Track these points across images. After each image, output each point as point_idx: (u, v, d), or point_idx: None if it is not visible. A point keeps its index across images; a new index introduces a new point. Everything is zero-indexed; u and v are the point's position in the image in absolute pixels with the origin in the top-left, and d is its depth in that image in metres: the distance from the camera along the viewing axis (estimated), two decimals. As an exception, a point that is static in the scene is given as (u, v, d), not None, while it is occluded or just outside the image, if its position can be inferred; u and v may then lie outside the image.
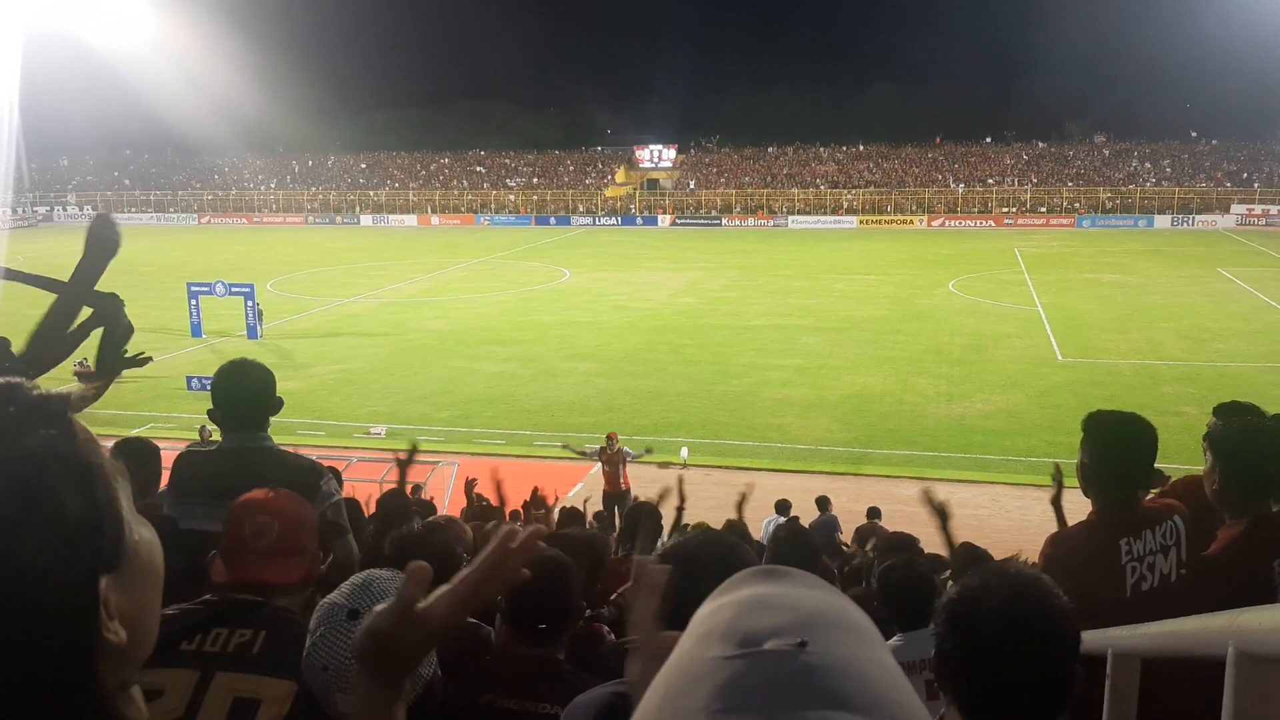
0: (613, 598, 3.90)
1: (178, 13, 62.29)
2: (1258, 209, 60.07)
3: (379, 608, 1.11)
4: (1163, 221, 60.10)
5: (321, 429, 20.17)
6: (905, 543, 6.62)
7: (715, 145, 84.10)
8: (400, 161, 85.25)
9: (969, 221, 63.05)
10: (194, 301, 29.35)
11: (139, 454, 4.21)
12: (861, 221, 64.43)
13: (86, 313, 2.82)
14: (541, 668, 2.52)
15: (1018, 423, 19.93)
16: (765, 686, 0.54)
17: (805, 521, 10.04)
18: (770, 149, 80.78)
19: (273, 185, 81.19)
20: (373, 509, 6.16)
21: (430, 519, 5.48)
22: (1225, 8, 66.78)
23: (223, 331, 29.40)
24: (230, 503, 2.27)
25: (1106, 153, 73.60)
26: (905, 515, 14.29)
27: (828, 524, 12.32)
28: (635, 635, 1.17)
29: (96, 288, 2.76)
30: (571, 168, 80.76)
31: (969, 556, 5.15)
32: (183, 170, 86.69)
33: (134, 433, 13.76)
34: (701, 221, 67.16)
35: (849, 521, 12.97)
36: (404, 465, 5.66)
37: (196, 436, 19.02)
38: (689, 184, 75.42)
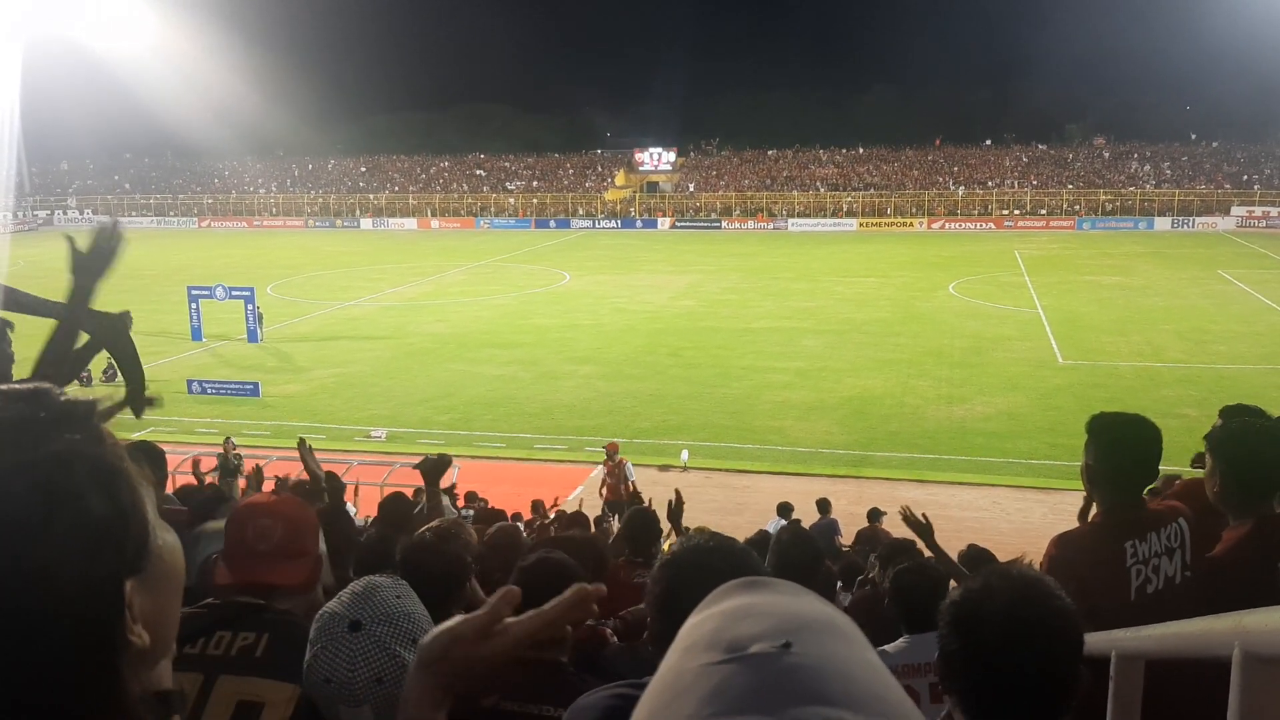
0: (621, 613, 3.89)
1: (178, 17, 62.37)
2: (1258, 211, 60.09)
3: (463, 617, 1.12)
4: (1163, 223, 60.11)
5: (322, 432, 20.15)
6: (906, 547, 6.61)
7: (715, 148, 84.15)
8: (400, 165, 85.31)
9: (969, 224, 63.07)
10: (194, 305, 29.36)
11: (147, 457, 4.22)
12: (861, 224, 64.44)
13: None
14: (545, 670, 2.52)
15: (1018, 425, 19.92)
16: (752, 688, 0.55)
17: (805, 524, 10.03)
18: (770, 152, 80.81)
19: (273, 189, 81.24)
20: (374, 512, 6.16)
21: (437, 525, 5.48)
22: (1225, 10, 66.85)
23: (223, 335, 29.41)
24: None
25: (1106, 155, 73.63)
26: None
27: (827, 528, 12.31)
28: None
29: (96, 304, 2.74)
30: (571, 171, 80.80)
31: (974, 559, 5.15)
32: (183, 174, 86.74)
33: (134, 437, 13.75)
34: (701, 224, 67.17)
35: (850, 524, 12.96)
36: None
37: (194, 439, 19.04)
38: (689, 187, 75.45)
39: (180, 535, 0.89)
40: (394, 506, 6.10)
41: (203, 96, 72.42)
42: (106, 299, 2.73)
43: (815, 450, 18.87)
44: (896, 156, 76.88)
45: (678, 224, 67.51)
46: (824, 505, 13.19)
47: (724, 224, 67.02)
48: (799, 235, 62.01)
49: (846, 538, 12.31)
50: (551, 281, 41.68)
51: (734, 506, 15.67)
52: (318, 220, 73.12)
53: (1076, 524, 3.86)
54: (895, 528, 11.95)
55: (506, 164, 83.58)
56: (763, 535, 8.95)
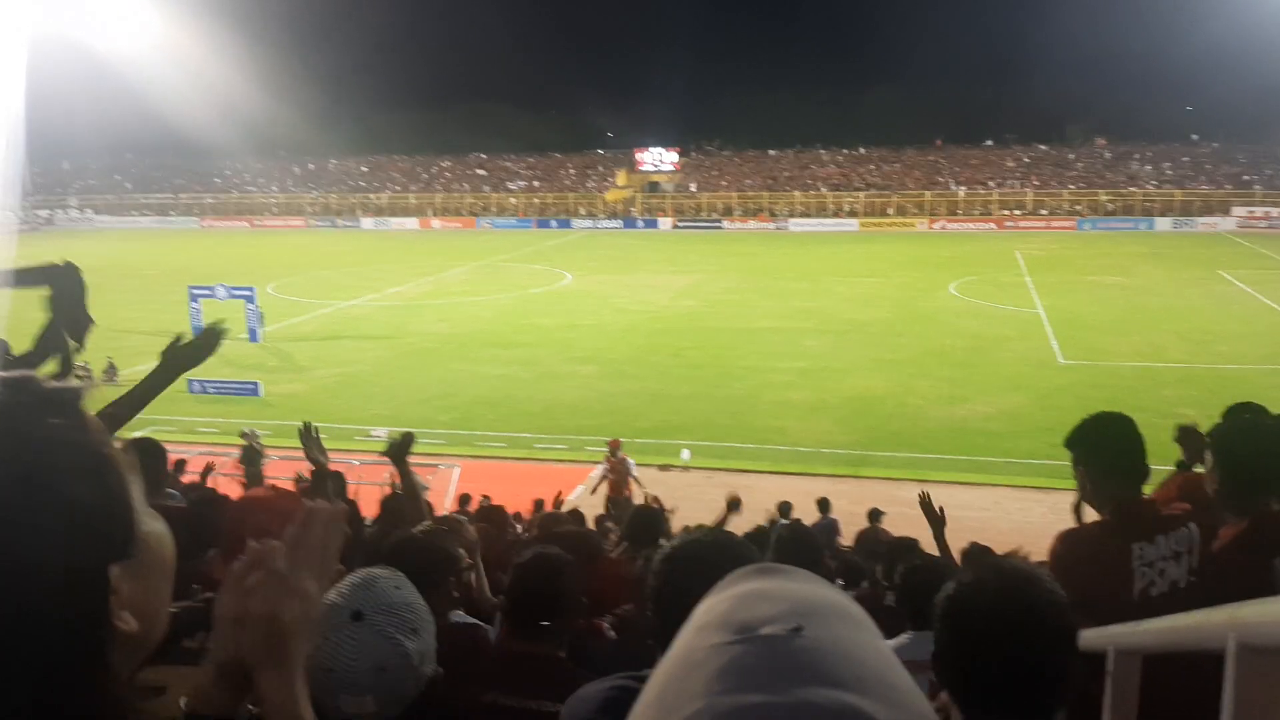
0: (615, 611, 3.90)
1: (180, 16, 62.34)
2: (1259, 211, 60.04)
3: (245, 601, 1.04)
4: (1163, 224, 60.07)
5: (323, 432, 20.00)
6: (907, 546, 6.63)
7: (716, 148, 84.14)
8: (401, 165, 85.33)
9: (970, 224, 63.05)
10: (195, 305, 29.35)
11: (147, 453, 4.25)
12: (862, 224, 64.43)
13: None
14: (542, 665, 2.52)
15: (1019, 425, 19.92)
16: (762, 668, 0.55)
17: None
18: (771, 152, 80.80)
19: (274, 188, 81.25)
20: (376, 511, 6.17)
21: (428, 522, 5.49)
22: (1226, 10, 66.78)
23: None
24: None
25: (1107, 155, 73.58)
26: (906, 518, 14.26)
27: (827, 527, 12.31)
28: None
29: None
30: (572, 171, 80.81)
31: (975, 556, 5.16)
32: (184, 173, 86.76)
33: (134, 435, 13.76)
34: (703, 224, 67.16)
35: (850, 524, 12.96)
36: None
37: (195, 438, 19.07)
38: (690, 187, 75.43)
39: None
40: (396, 505, 6.10)
41: (204, 96, 72.39)
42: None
43: (816, 450, 18.87)
44: (897, 157, 76.85)
45: (679, 224, 67.51)
46: (824, 505, 13.19)
47: (725, 224, 67.01)
48: (800, 235, 62.00)
49: (846, 538, 12.30)
50: (553, 281, 41.68)
51: (724, 508, 15.64)
52: (318, 220, 73.14)
53: (1072, 522, 3.86)
54: (895, 528, 11.95)
55: (508, 164, 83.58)
56: (760, 530, 8.97)
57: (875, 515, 12.53)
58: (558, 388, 23.43)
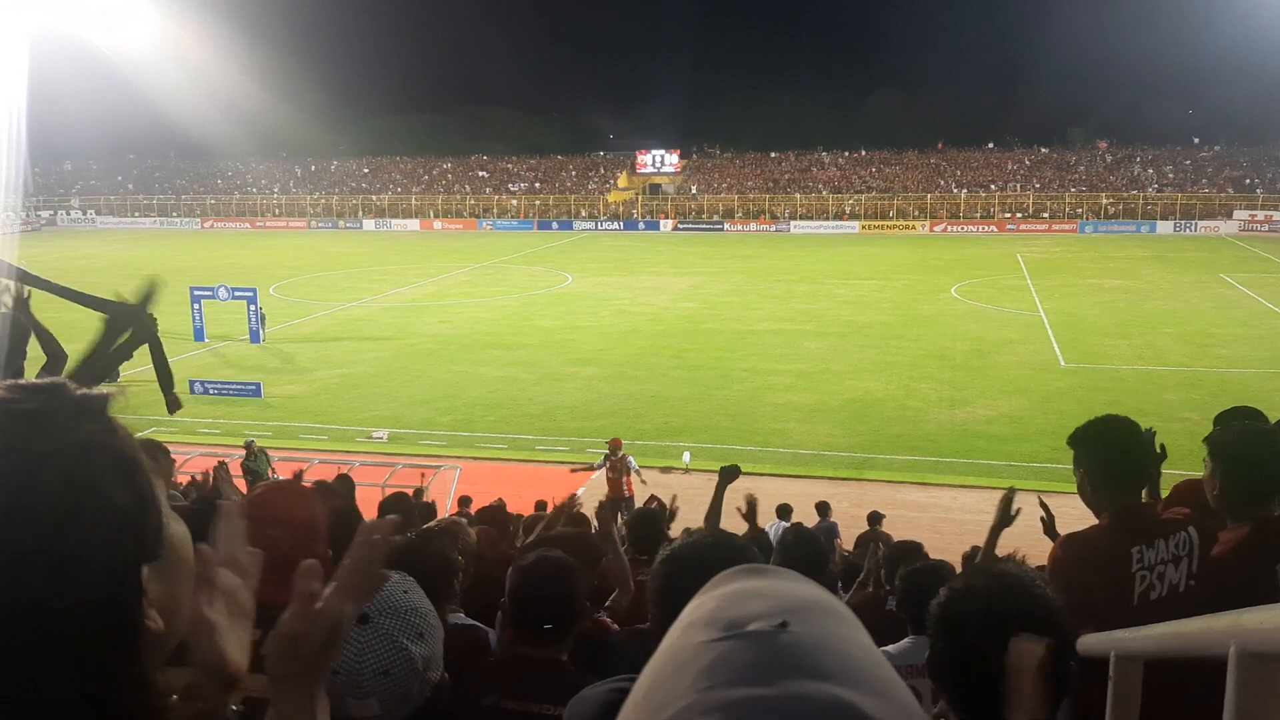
0: (607, 603, 3.90)
1: (183, 17, 62.40)
2: (1260, 215, 60.02)
3: (286, 616, 1.09)
4: (1165, 227, 60.06)
5: (324, 433, 20.18)
6: (911, 549, 6.60)
7: (717, 150, 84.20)
8: (403, 166, 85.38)
9: (971, 227, 63.06)
10: (197, 306, 29.37)
11: (154, 454, 4.27)
12: (864, 227, 64.43)
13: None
14: (546, 669, 2.52)
15: (1020, 428, 19.91)
16: (749, 663, 0.56)
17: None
18: (772, 154, 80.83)
19: (276, 190, 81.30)
20: (375, 513, 6.17)
21: (427, 524, 5.50)
22: (1228, 13, 66.81)
23: (225, 336, 29.43)
24: None
25: (1109, 158, 73.58)
26: (907, 521, 14.29)
27: (827, 531, 12.30)
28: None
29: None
30: (574, 173, 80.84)
31: (973, 559, 5.13)
32: (186, 174, 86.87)
33: (138, 436, 13.73)
34: (704, 226, 67.18)
35: (851, 527, 12.96)
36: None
37: (196, 439, 19.06)
38: (691, 189, 75.46)
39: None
40: (396, 507, 6.12)
41: (207, 97, 72.48)
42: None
43: (817, 452, 18.86)
44: (899, 159, 76.87)
45: (680, 226, 67.52)
46: (823, 508, 13.19)
47: (726, 226, 67.02)
48: (801, 237, 62.00)
49: (846, 541, 12.29)
50: (554, 283, 41.69)
51: (734, 509, 15.64)
52: (320, 221, 73.18)
53: (1077, 528, 3.85)
54: (896, 530, 11.95)
55: (509, 165, 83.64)
56: (760, 532, 8.97)
57: (875, 518, 12.53)
58: (558, 389, 23.43)
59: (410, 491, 9.44)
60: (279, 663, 1.06)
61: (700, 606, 0.64)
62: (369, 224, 71.80)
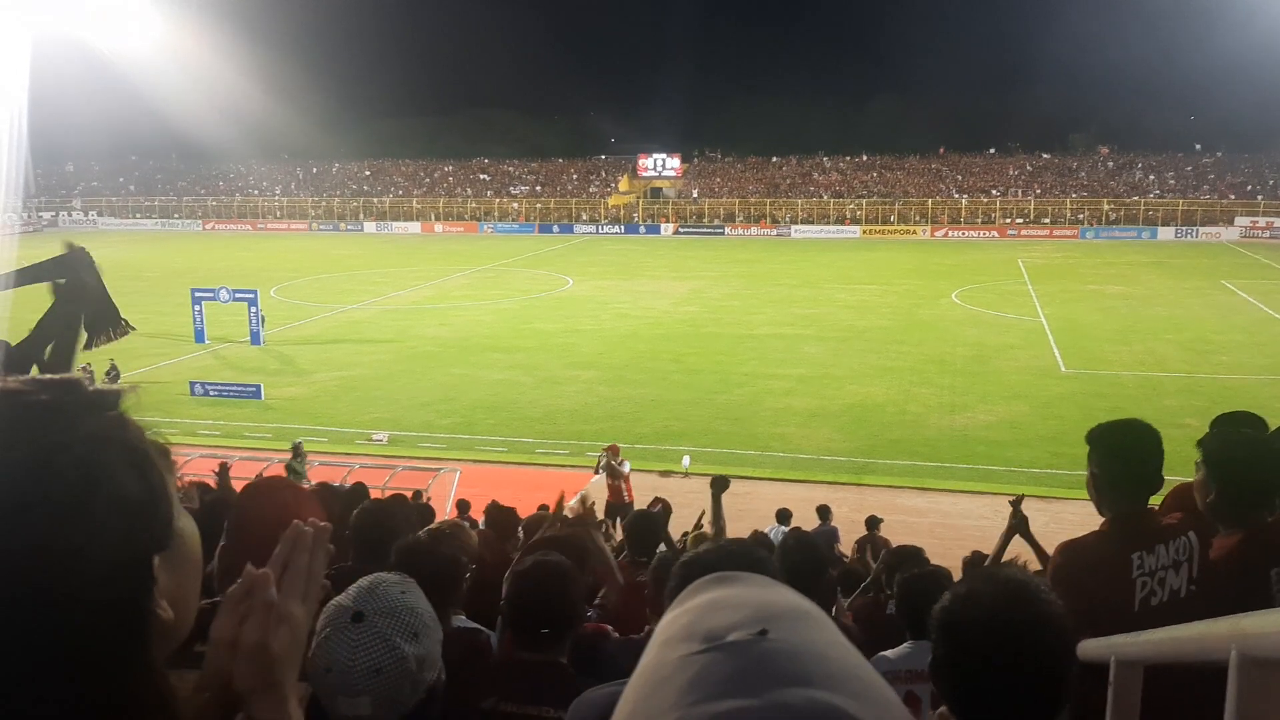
0: (596, 600, 3.90)
1: (185, 19, 62.47)
2: (1261, 221, 60.03)
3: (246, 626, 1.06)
4: (1166, 233, 60.07)
5: (324, 435, 20.18)
6: (911, 554, 6.60)
7: (719, 155, 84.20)
8: (404, 169, 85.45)
9: (972, 232, 63.09)
10: (198, 307, 29.40)
11: (159, 454, 4.26)
12: (864, 231, 64.45)
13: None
14: (544, 672, 2.52)
15: (1020, 434, 19.90)
16: (733, 674, 0.56)
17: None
18: (774, 158, 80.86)
19: (277, 192, 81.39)
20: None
21: (434, 527, 5.49)
22: (1230, 20, 66.86)
23: (226, 337, 29.44)
24: None
25: (1110, 164, 73.61)
26: (907, 526, 14.28)
27: (827, 535, 12.30)
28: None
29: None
30: (575, 176, 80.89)
31: (977, 565, 5.12)
32: (188, 176, 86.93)
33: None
34: (704, 230, 67.22)
35: (850, 532, 12.95)
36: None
37: (196, 441, 19.05)
38: (692, 193, 75.50)
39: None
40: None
41: (208, 99, 72.56)
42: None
43: (817, 457, 18.85)
44: (900, 164, 76.89)
45: (681, 230, 67.55)
46: (824, 512, 13.18)
47: (727, 230, 67.05)
48: (802, 242, 62.04)
49: (846, 545, 12.29)
50: (554, 286, 41.70)
51: (735, 513, 15.50)
52: (321, 223, 73.25)
53: (1078, 533, 3.84)
54: (895, 535, 11.94)
55: (510, 169, 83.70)
56: (760, 536, 8.96)
57: (873, 522, 12.52)
58: (558, 393, 23.43)
59: (410, 494, 9.44)
60: (250, 675, 1.04)
61: (675, 620, 0.64)
62: (370, 226, 71.86)
